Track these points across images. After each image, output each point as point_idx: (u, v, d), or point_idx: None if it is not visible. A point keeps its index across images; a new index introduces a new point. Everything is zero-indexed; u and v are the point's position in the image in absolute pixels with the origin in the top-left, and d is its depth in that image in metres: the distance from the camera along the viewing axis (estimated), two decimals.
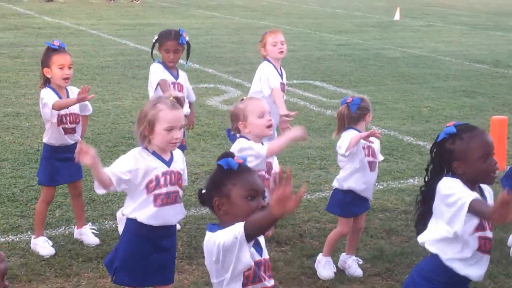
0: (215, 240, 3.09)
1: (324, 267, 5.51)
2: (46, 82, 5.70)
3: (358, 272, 5.52)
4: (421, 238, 3.87)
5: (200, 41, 18.36)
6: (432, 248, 3.78)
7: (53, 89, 5.67)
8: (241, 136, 4.89)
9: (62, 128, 5.73)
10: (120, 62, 14.63)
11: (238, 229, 3.01)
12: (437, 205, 3.74)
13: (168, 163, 4.27)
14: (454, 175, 3.74)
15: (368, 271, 5.61)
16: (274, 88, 6.55)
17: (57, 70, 5.60)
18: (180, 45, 6.19)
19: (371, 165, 5.46)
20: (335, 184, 5.56)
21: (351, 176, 5.41)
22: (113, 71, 13.48)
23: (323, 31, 22.12)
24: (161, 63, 6.28)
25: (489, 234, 3.71)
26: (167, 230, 4.35)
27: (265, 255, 3.34)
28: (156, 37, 6.30)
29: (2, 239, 5.93)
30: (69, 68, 5.65)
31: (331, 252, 5.59)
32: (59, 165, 5.79)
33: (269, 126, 4.84)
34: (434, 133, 9.75)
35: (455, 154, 3.73)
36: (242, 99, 5.02)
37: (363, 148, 5.38)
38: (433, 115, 10.97)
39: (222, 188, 3.19)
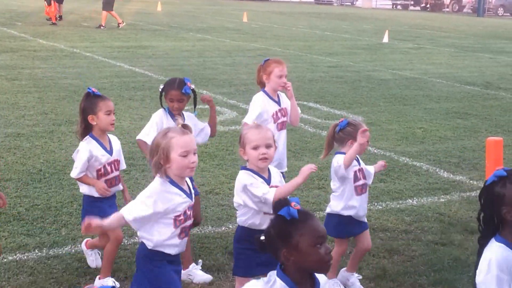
0: None
1: None
2: (86, 131, 5.58)
3: None
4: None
5: (193, 63, 18.55)
6: None
7: (97, 140, 5.56)
8: (244, 168, 4.73)
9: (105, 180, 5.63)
10: (116, 83, 14.75)
11: None
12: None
13: (190, 195, 4.35)
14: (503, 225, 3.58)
15: None
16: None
17: (105, 116, 5.50)
18: (184, 94, 5.92)
19: (364, 187, 5.57)
20: (328, 209, 5.66)
21: (343, 200, 5.51)
22: (109, 92, 13.55)
23: (314, 53, 22.37)
24: (166, 110, 6.05)
25: None
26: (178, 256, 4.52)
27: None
28: (162, 86, 6.05)
29: (10, 258, 5.99)
30: (114, 113, 5.63)
31: (336, 273, 5.69)
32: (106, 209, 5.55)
33: (262, 159, 4.62)
34: (429, 154, 9.94)
35: (505, 200, 3.52)
36: (253, 123, 5.03)
37: (356, 171, 5.48)
38: (427, 136, 11.14)
39: (290, 239, 3.10)
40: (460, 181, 8.76)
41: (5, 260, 5.92)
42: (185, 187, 4.33)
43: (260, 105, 6.42)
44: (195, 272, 5.80)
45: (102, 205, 5.57)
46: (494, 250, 3.50)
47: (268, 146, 4.63)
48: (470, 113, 13.16)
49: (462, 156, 9.94)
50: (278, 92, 6.58)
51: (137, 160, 8.93)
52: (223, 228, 6.84)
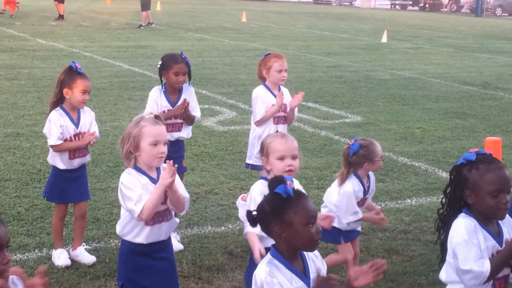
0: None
1: None
2: (59, 101, 5.79)
3: None
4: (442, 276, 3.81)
5: (192, 63, 18.28)
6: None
7: (65, 111, 5.78)
8: (264, 178, 4.55)
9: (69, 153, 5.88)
10: (115, 83, 14.76)
11: None
12: (449, 257, 3.70)
13: (155, 180, 4.32)
14: (467, 206, 3.72)
15: None
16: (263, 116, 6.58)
17: (79, 94, 5.69)
18: (187, 66, 6.26)
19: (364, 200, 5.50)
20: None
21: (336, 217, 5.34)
22: (109, 92, 13.60)
23: (313, 53, 22.39)
24: (162, 88, 6.30)
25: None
26: (160, 244, 4.47)
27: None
28: (160, 62, 6.30)
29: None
30: (88, 93, 5.81)
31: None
32: (68, 185, 5.93)
33: (288, 171, 4.41)
34: (428, 154, 9.96)
35: (468, 183, 3.71)
36: (276, 131, 4.91)
37: (360, 201, 5.39)
38: (425, 136, 11.17)
39: (284, 216, 3.19)
40: None
41: None
42: (154, 175, 4.32)
43: (263, 100, 6.59)
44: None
45: (65, 182, 5.90)
46: (462, 220, 3.66)
47: (294, 157, 4.46)
48: (469, 113, 13.19)
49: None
50: (280, 86, 6.74)
51: None
52: (223, 228, 6.86)
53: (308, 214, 3.21)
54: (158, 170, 4.35)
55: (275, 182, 3.29)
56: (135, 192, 4.19)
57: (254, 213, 3.31)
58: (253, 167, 6.79)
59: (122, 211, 4.41)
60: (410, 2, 67.27)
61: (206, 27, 31.12)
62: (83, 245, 6.15)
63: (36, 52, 19.45)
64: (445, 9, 64.43)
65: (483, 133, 11.30)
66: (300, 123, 11.58)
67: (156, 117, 4.33)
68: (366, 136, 10.78)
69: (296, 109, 6.76)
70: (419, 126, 11.86)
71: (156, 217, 4.33)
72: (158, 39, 24.73)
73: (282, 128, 6.63)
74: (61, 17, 30.27)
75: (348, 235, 5.51)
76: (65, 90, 5.70)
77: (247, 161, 6.84)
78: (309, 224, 3.19)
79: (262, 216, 3.28)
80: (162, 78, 6.37)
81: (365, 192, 5.43)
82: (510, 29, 41.21)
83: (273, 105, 6.58)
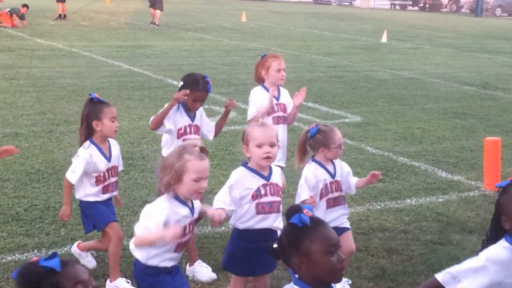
0: None
1: None
2: (89, 136, 5.52)
3: None
4: None
5: (192, 63, 18.55)
6: None
7: (97, 146, 5.51)
8: (244, 164, 4.80)
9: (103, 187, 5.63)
10: (114, 83, 14.75)
11: None
12: None
13: (192, 211, 4.32)
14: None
15: None
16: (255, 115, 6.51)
17: (109, 123, 5.43)
18: (207, 93, 5.94)
19: (338, 199, 5.34)
20: None
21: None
22: (108, 92, 13.57)
23: (312, 53, 22.38)
24: (180, 105, 5.96)
25: None
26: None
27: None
28: (181, 83, 5.92)
29: (9, 258, 5.98)
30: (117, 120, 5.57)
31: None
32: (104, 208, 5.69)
33: (265, 158, 4.66)
34: (427, 154, 9.95)
35: (502, 209, 3.62)
36: (259, 121, 5.04)
37: (326, 185, 5.26)
38: (425, 136, 11.16)
39: (300, 247, 3.06)
40: (458, 181, 8.77)
41: (4, 260, 5.92)
42: (189, 203, 4.29)
43: (258, 99, 6.55)
44: (199, 270, 5.81)
45: (101, 206, 5.60)
46: (496, 247, 3.56)
47: (272, 145, 4.67)
48: (468, 113, 13.18)
49: (460, 156, 9.95)
50: (279, 87, 6.71)
51: (137, 161, 8.94)
52: (223, 228, 6.84)
53: (326, 242, 3.05)
54: (192, 202, 4.32)
55: (291, 211, 3.16)
56: (155, 219, 4.14)
57: (275, 245, 3.19)
58: None
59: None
60: (410, 2, 67.27)
61: (206, 27, 31.11)
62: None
63: (35, 51, 19.43)
64: (445, 9, 64.44)
65: (482, 133, 11.29)
66: (300, 123, 11.57)
67: (202, 149, 4.23)
68: (366, 136, 10.86)
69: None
70: (419, 126, 11.85)
71: (181, 247, 4.34)
72: (158, 38, 24.72)
73: (282, 128, 6.62)
74: (60, 16, 30.27)
75: None
76: (94, 123, 5.42)
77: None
78: (328, 253, 3.03)
79: (281, 249, 3.14)
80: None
81: (332, 175, 5.28)
82: (510, 29, 41.23)
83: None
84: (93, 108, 5.46)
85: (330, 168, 5.30)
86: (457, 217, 7.44)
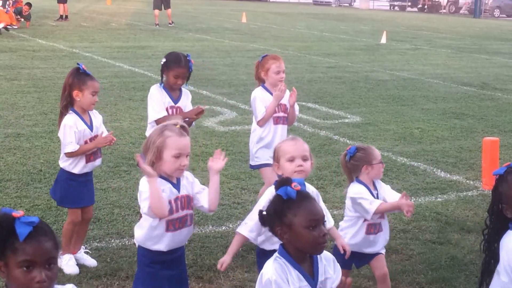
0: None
1: None
2: (69, 104, 5.69)
3: None
4: None
5: (193, 64, 18.55)
6: None
7: (78, 114, 5.67)
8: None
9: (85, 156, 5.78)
10: (115, 84, 14.81)
11: None
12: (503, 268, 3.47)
13: (178, 187, 4.29)
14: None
15: None
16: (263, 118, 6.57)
17: (90, 96, 5.61)
18: (189, 71, 6.17)
19: (377, 226, 5.06)
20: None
21: (349, 236, 5.06)
22: (109, 93, 13.63)
23: (312, 53, 22.44)
24: (161, 85, 6.22)
25: None
26: (177, 251, 4.43)
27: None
28: (164, 60, 6.18)
29: None
30: (97, 94, 5.75)
31: None
32: (80, 189, 5.84)
33: (298, 172, 4.37)
34: (426, 154, 10.01)
35: (502, 197, 3.58)
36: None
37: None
38: (424, 136, 11.22)
39: (283, 218, 3.19)
40: (457, 181, 8.83)
41: None
42: (173, 180, 4.27)
43: (261, 100, 6.59)
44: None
45: (78, 187, 5.82)
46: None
47: (304, 159, 4.40)
48: (467, 114, 13.25)
49: (459, 156, 10.01)
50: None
51: None
52: (224, 228, 6.90)
53: (308, 217, 3.16)
54: (178, 179, 4.30)
55: (280, 183, 3.29)
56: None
57: (264, 212, 3.31)
58: (252, 167, 6.87)
59: (144, 218, 4.33)
60: (409, 3, 67.30)
61: (206, 27, 31.17)
62: (83, 248, 6.14)
63: (36, 52, 19.49)
64: (444, 10, 64.49)
65: (481, 133, 11.36)
66: (300, 123, 11.63)
67: (182, 127, 4.24)
68: (365, 136, 10.92)
69: (297, 108, 6.78)
70: (418, 126, 11.91)
71: (178, 222, 4.28)
72: (159, 39, 24.78)
73: (282, 128, 6.67)
74: (61, 17, 30.33)
75: (348, 262, 5.01)
76: (75, 92, 5.61)
77: (250, 162, 6.88)
78: (309, 227, 3.15)
79: (267, 217, 3.29)
80: (163, 75, 6.26)
81: (375, 197, 5.00)
82: (508, 30, 41.28)
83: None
84: (77, 78, 5.64)
85: (374, 192, 5.02)
86: (456, 217, 7.50)
